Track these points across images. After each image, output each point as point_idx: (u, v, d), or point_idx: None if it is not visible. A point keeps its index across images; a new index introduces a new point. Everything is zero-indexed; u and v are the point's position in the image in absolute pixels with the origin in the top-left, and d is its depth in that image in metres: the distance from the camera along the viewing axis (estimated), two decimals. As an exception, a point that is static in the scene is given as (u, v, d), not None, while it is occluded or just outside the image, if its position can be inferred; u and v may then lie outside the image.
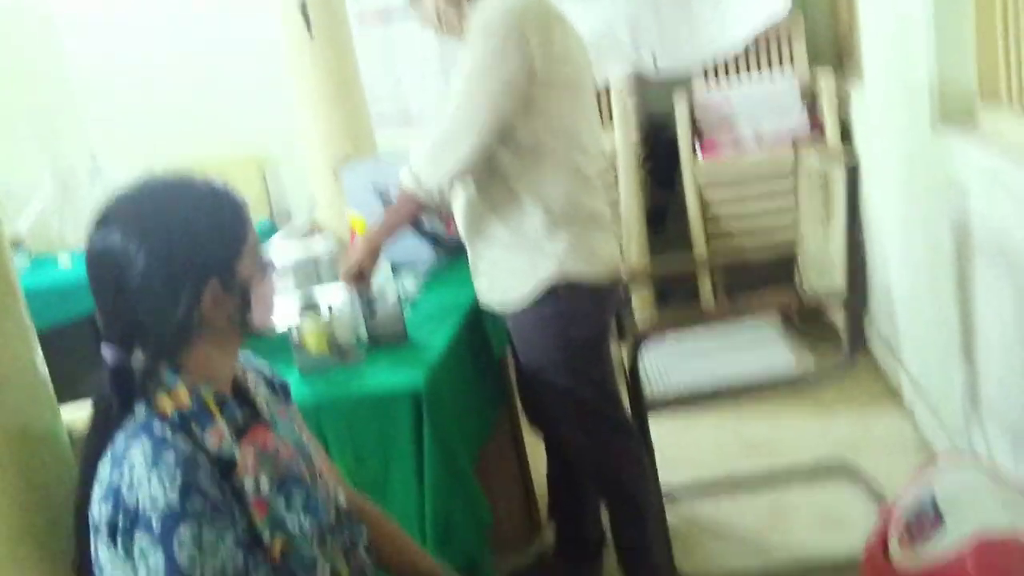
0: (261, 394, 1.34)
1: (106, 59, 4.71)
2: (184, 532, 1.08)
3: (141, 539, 1.08)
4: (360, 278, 2.06)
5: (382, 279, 2.35)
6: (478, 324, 2.23)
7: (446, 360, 1.98)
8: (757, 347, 2.45)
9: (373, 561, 1.43)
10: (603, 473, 2.15)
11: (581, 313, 2.05)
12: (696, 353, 2.54)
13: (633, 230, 3.62)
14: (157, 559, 1.07)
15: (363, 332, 2.07)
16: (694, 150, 3.62)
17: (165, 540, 1.07)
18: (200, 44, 4.42)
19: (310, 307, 1.96)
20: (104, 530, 1.10)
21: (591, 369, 2.09)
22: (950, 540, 1.50)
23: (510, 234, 2.03)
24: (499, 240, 2.05)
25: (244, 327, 1.24)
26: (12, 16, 4.62)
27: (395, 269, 2.54)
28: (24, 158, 4.83)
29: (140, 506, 1.08)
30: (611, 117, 3.67)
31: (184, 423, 1.15)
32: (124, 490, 1.09)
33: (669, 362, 2.53)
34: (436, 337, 2.07)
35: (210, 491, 1.11)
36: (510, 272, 2.06)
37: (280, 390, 1.42)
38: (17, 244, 4.06)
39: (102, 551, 1.11)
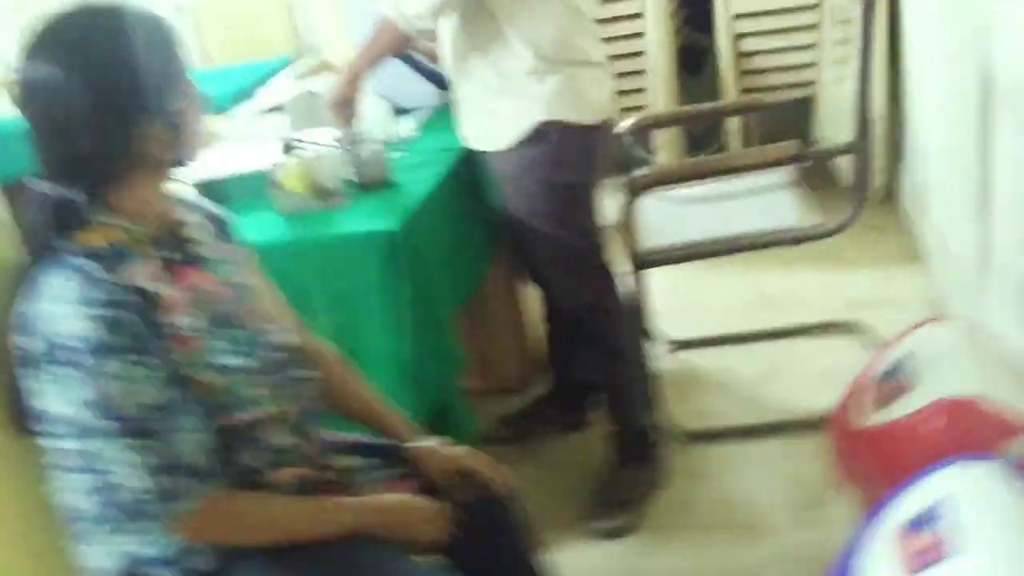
0: (199, 233, 1.31)
1: None
2: (113, 366, 1.09)
3: (71, 372, 1.10)
4: (343, 109, 2.02)
5: (369, 121, 2.30)
6: (472, 169, 2.17)
7: (429, 205, 1.95)
8: (761, 201, 2.36)
9: (327, 405, 1.45)
10: (580, 314, 2.14)
11: (568, 156, 1.99)
12: (697, 205, 2.47)
13: (660, 72, 3.45)
14: (86, 392, 1.09)
15: (349, 175, 2.03)
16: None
17: (95, 374, 1.09)
18: None
19: (292, 146, 1.93)
20: (34, 363, 1.12)
21: (575, 213, 2.05)
22: (914, 403, 1.46)
23: (496, 75, 1.95)
24: (483, 81, 1.97)
25: (176, 162, 1.22)
26: None
27: (397, 112, 2.48)
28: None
29: (70, 340, 1.09)
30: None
31: (113, 258, 1.15)
32: (53, 325, 1.11)
33: (669, 213, 2.47)
34: (423, 181, 2.02)
35: (138, 327, 1.12)
36: (493, 113, 1.99)
37: (224, 228, 1.40)
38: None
39: (34, 385, 1.13)
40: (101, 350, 1.09)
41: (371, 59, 2.00)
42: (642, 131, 3.27)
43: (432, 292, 1.86)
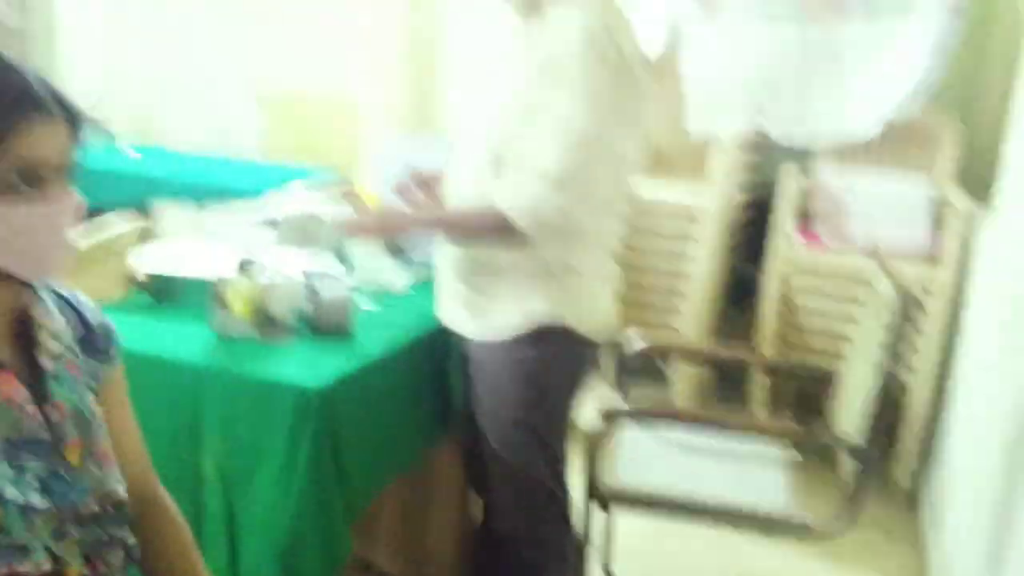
0: (54, 342, 1.10)
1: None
2: None
3: None
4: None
5: (363, 261, 2.13)
6: (439, 343, 1.94)
7: (375, 370, 1.73)
8: (753, 471, 2.09)
9: (144, 569, 1.20)
10: (519, 544, 1.86)
11: (561, 364, 1.79)
12: (681, 450, 2.20)
13: (700, 298, 3.25)
14: None
15: (307, 312, 1.83)
16: (792, 231, 3.22)
17: None
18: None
19: (247, 265, 1.74)
20: None
21: (550, 428, 1.82)
22: None
23: (502, 258, 1.74)
24: (484, 259, 1.76)
25: None
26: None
27: (397, 255, 2.31)
28: (143, 48, 4.86)
29: None
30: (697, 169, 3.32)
31: None
32: None
33: (648, 449, 2.20)
34: (381, 342, 1.81)
35: None
36: (488, 299, 1.77)
37: (102, 344, 1.19)
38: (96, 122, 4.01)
39: None
40: None
41: (433, 228, 1.86)
42: (661, 354, 3.08)
43: (343, 467, 1.62)
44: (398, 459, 1.84)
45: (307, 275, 1.83)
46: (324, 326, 1.82)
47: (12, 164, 0.95)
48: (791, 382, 3.20)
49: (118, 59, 4.75)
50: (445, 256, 1.84)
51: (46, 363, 1.08)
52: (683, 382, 3.28)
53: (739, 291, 3.68)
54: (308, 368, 1.64)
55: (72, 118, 1.02)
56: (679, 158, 3.66)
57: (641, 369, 3.82)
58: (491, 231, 1.67)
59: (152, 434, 1.59)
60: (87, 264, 2.03)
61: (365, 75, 3.04)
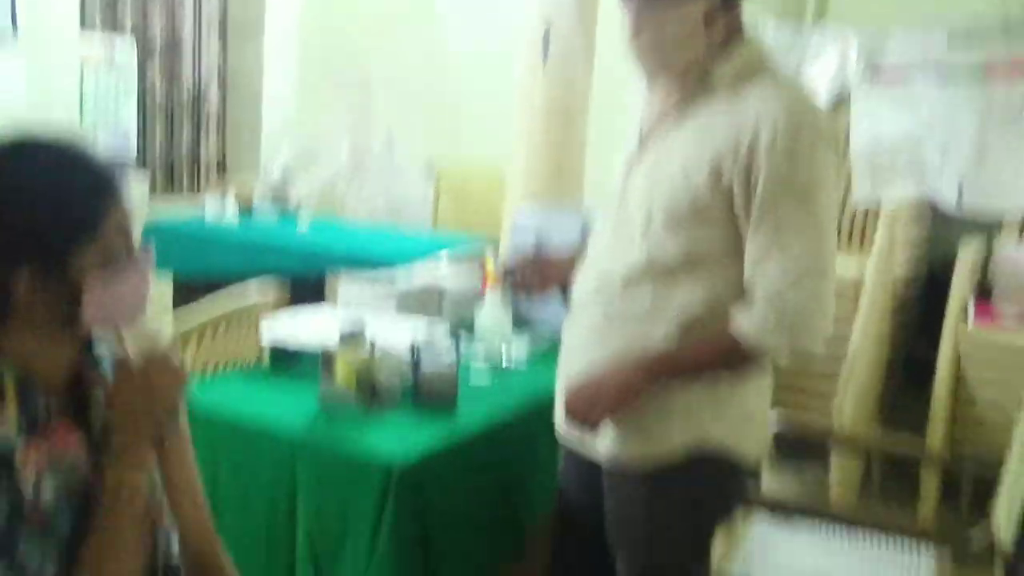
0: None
1: (401, 55, 4.90)
2: None
3: None
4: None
5: (486, 324, 2.12)
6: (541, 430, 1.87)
7: (471, 446, 1.70)
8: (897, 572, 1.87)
9: None
10: None
11: (719, 495, 1.57)
12: (826, 547, 2.01)
13: (862, 381, 3.00)
14: None
15: (408, 382, 1.84)
16: (969, 309, 2.93)
17: None
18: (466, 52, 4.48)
19: (352, 335, 1.78)
20: None
21: (694, 564, 1.60)
22: None
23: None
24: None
25: (72, 324, 1.07)
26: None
27: (523, 324, 2.29)
28: (330, 125, 5.19)
29: None
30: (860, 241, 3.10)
31: None
32: None
33: (788, 546, 2.03)
34: (485, 417, 1.78)
35: None
36: (663, 416, 1.49)
37: None
38: (280, 198, 4.31)
39: None
40: None
41: (685, 370, 1.48)
42: (814, 438, 2.85)
43: (431, 545, 1.59)
44: (501, 543, 1.79)
45: (414, 346, 1.84)
46: (427, 398, 1.81)
47: (116, 240, 1.05)
48: (963, 477, 2.87)
49: (308, 141, 5.10)
50: (590, 358, 1.54)
51: (98, 422, 1.11)
52: (841, 472, 3.02)
53: (911, 375, 3.39)
54: (400, 443, 1.63)
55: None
56: (842, 230, 3.45)
57: (794, 456, 3.58)
58: (741, 362, 1.45)
59: (251, 503, 1.66)
60: (223, 329, 2.15)
61: (512, 146, 3.08)
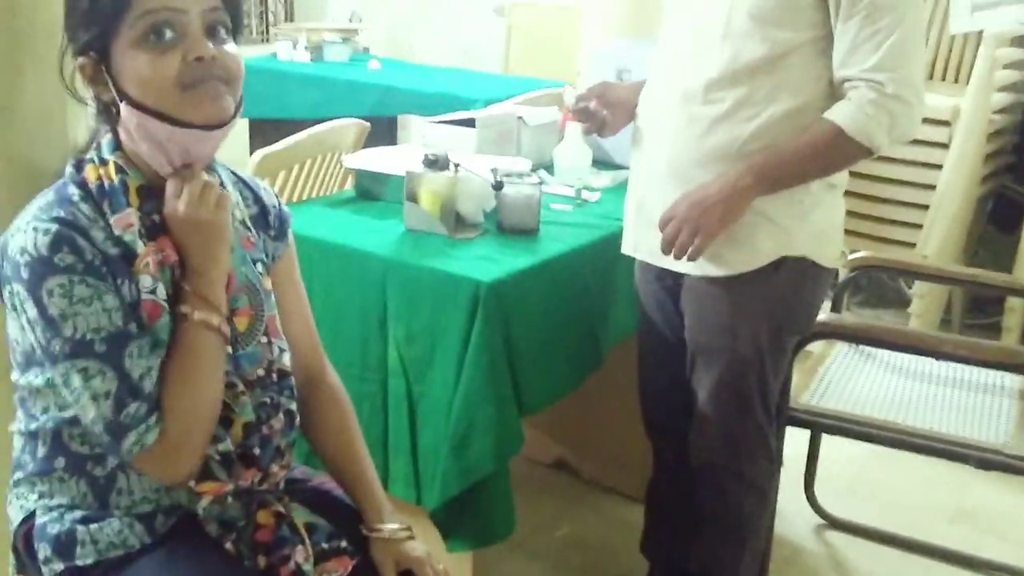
0: (229, 214, 1.16)
1: None
2: (53, 283, 1.00)
3: (17, 290, 1.03)
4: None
5: (566, 159, 2.12)
6: (622, 274, 1.88)
7: (552, 267, 1.73)
8: (976, 400, 1.88)
9: (309, 439, 1.31)
10: (723, 487, 1.71)
11: (802, 296, 1.61)
12: (907, 375, 2.02)
13: (945, 216, 2.92)
14: (31, 309, 1.02)
15: (491, 209, 1.86)
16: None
17: (35, 291, 1.01)
18: None
19: (435, 163, 1.79)
20: None
21: (774, 369, 1.64)
22: None
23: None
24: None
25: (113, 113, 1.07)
26: None
27: (600, 164, 2.27)
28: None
29: (14, 255, 1.02)
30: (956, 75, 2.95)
31: (98, 196, 1.07)
32: (9, 237, 1.04)
33: (862, 371, 2.05)
34: (566, 242, 1.80)
35: (87, 255, 1.02)
36: (748, 225, 1.51)
37: (275, 223, 1.27)
38: (349, 38, 4.26)
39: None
40: (42, 264, 1.00)
41: (783, 179, 1.48)
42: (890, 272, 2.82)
43: (517, 359, 1.64)
44: (581, 358, 1.83)
45: (496, 174, 1.84)
46: (510, 224, 1.83)
47: (145, 16, 1.01)
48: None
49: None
50: (675, 174, 1.55)
51: None
52: (924, 306, 3.00)
53: (1006, 212, 3.30)
54: (486, 262, 1.66)
55: None
56: (938, 59, 3.29)
57: (875, 289, 3.56)
58: (843, 157, 1.46)
59: (344, 321, 1.72)
60: (306, 158, 2.18)
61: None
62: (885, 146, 1.42)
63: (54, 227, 1.01)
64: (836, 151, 1.44)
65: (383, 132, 3.99)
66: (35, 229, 1.01)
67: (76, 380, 1.02)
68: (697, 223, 1.46)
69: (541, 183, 1.89)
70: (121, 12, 1.00)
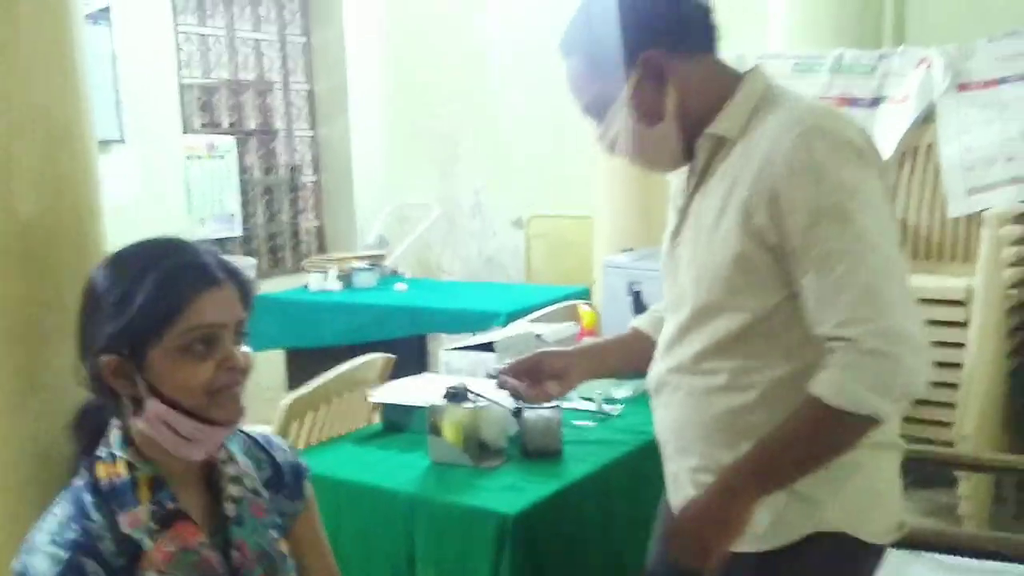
0: (235, 487, 1.20)
1: (494, 116, 5.05)
2: None
3: None
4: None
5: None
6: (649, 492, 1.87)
7: (579, 490, 1.73)
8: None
9: None
10: None
11: (850, 572, 1.39)
12: (955, 571, 1.94)
13: (980, 396, 2.90)
14: None
15: (513, 435, 1.89)
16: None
17: None
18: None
19: (455, 395, 1.84)
20: None
21: None
22: None
23: None
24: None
25: (175, 404, 1.11)
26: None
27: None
28: (421, 186, 5.37)
29: (27, 574, 1.06)
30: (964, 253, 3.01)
31: (109, 497, 1.10)
32: (27, 553, 1.08)
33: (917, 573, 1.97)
34: (591, 461, 1.81)
35: None
36: (784, 503, 1.32)
37: (289, 481, 1.29)
38: (377, 263, 4.46)
39: None
40: None
41: (782, 474, 1.29)
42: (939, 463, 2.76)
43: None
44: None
45: (516, 399, 1.89)
46: (533, 448, 1.86)
47: (192, 331, 1.09)
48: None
49: (401, 207, 5.27)
50: (682, 450, 1.43)
51: (228, 509, 1.18)
52: (969, 495, 2.91)
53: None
54: (512, 492, 1.67)
55: (239, 284, 1.15)
56: (947, 244, 3.37)
57: (918, 480, 3.45)
58: (842, 432, 1.24)
59: (371, 562, 1.72)
60: (332, 395, 2.25)
61: (599, 195, 3.15)
62: (885, 409, 1.20)
63: (65, 555, 1.05)
64: (828, 427, 1.23)
65: (414, 351, 4.11)
66: (50, 556, 1.05)
67: None
68: (699, 541, 1.31)
69: (559, 404, 1.92)
70: (167, 325, 1.08)
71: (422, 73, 5.24)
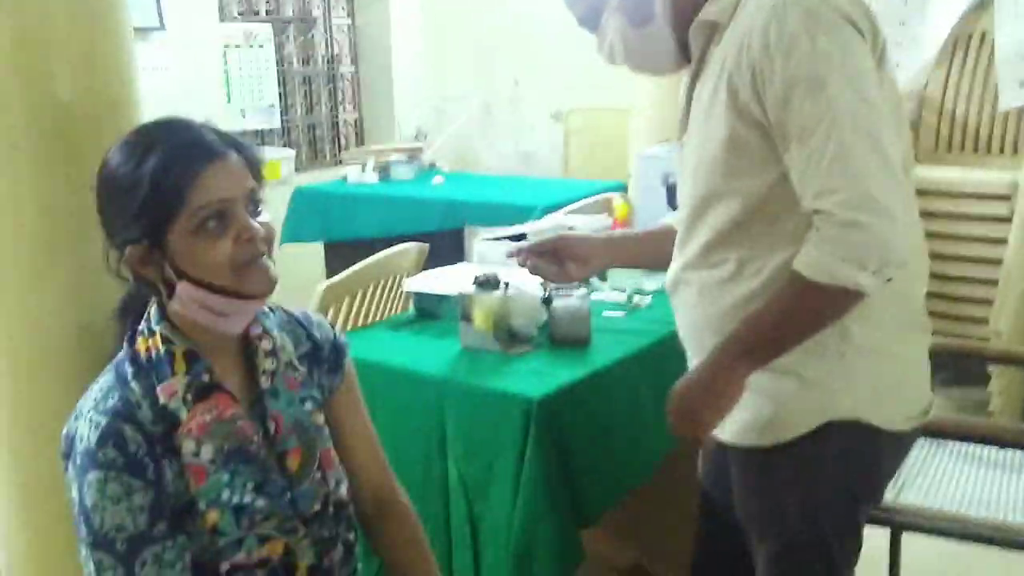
0: (269, 360, 1.24)
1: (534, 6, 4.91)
2: (92, 477, 1.10)
3: (70, 469, 1.13)
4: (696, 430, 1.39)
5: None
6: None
7: (605, 378, 1.77)
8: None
9: (379, 555, 1.38)
10: None
11: (860, 466, 1.39)
12: (988, 465, 1.97)
13: (1017, 291, 2.87)
14: (75, 492, 1.12)
15: (543, 323, 1.92)
16: None
17: (80, 478, 1.11)
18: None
19: (485, 283, 1.87)
20: (61, 449, 1.17)
21: (843, 558, 1.43)
22: None
23: (838, 335, 1.31)
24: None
25: (210, 286, 1.14)
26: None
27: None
28: (459, 79, 5.30)
29: (75, 438, 1.13)
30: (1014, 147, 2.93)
31: (147, 368, 1.16)
32: (73, 419, 1.15)
33: (946, 466, 2.01)
34: (617, 351, 1.85)
35: (131, 446, 1.11)
36: (759, 394, 1.35)
37: (329, 356, 1.34)
38: (415, 156, 4.46)
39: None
40: (88, 456, 1.10)
41: (772, 345, 1.30)
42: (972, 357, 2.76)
43: (572, 473, 1.68)
44: (634, 466, 1.85)
45: (545, 287, 1.92)
46: (561, 336, 1.89)
47: (201, 210, 1.11)
48: None
49: (439, 100, 5.22)
50: (699, 348, 1.42)
51: (263, 381, 1.23)
52: (1003, 384, 2.91)
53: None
54: (539, 378, 1.72)
55: (244, 153, 1.16)
56: (993, 134, 3.27)
57: (949, 377, 3.46)
58: (826, 304, 1.25)
59: (404, 442, 1.79)
60: (369, 283, 2.30)
61: (636, 88, 3.10)
62: (866, 281, 1.20)
63: (104, 421, 1.10)
64: (809, 301, 1.25)
65: (451, 244, 4.14)
66: (91, 421, 1.11)
67: (91, 567, 1.10)
68: (691, 412, 1.35)
69: (590, 292, 1.95)
70: (177, 208, 1.10)
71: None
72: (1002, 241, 2.88)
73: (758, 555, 1.48)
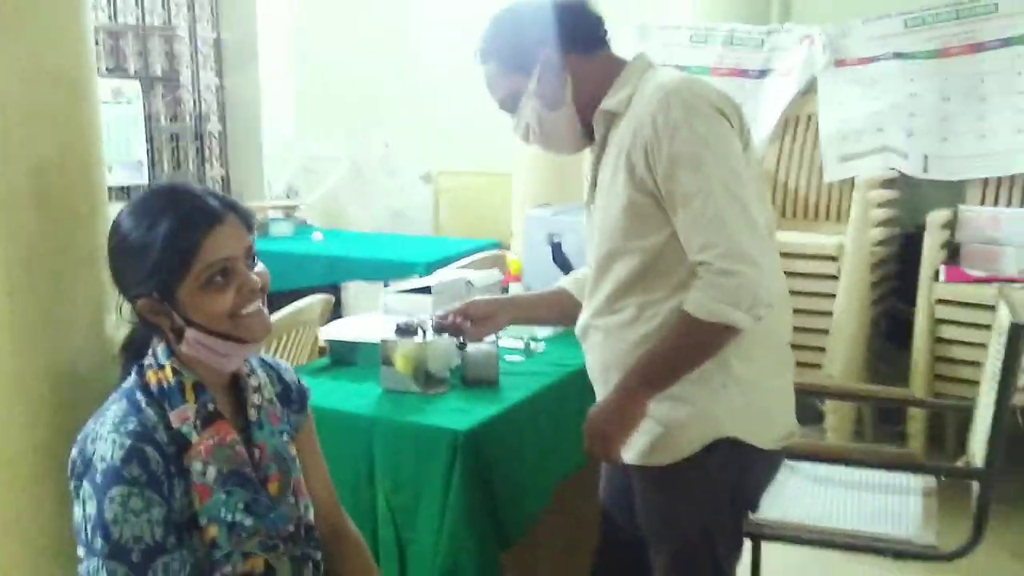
0: (257, 395, 1.41)
1: (407, 71, 5.15)
2: (116, 492, 1.20)
3: (87, 486, 1.23)
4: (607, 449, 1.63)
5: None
6: (579, 391, 2.16)
7: (516, 413, 1.98)
8: (889, 501, 2.16)
9: None
10: None
11: (736, 479, 1.67)
12: (823, 483, 2.30)
13: (847, 336, 3.31)
14: (92, 507, 1.21)
15: (456, 366, 2.12)
16: (939, 266, 3.24)
17: (100, 493, 1.20)
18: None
19: (405, 331, 2.05)
20: (71, 474, 1.27)
21: (726, 554, 1.73)
22: None
23: (720, 368, 1.58)
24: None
25: (215, 333, 1.30)
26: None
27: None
28: (329, 140, 5.45)
29: (94, 458, 1.23)
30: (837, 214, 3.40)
31: (160, 397, 1.29)
32: (89, 441, 1.25)
33: (795, 486, 2.32)
34: (524, 389, 2.07)
35: (152, 465, 1.23)
36: (675, 413, 1.61)
37: (296, 397, 1.51)
38: (290, 213, 4.57)
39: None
40: (111, 473, 1.21)
41: (667, 374, 1.58)
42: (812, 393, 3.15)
43: (493, 498, 1.87)
44: (543, 489, 2.07)
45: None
46: (474, 377, 2.10)
47: (209, 268, 1.27)
48: (946, 416, 3.19)
49: (308, 159, 5.34)
50: (614, 364, 1.66)
51: (251, 413, 1.39)
52: (837, 420, 3.33)
53: (892, 332, 3.70)
54: (460, 414, 1.91)
55: (240, 214, 1.32)
56: (820, 202, 3.76)
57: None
58: (709, 338, 1.52)
59: (335, 475, 1.92)
60: (282, 333, 2.42)
61: (516, 152, 3.37)
62: (740, 318, 1.47)
63: (128, 442, 1.22)
64: (695, 336, 1.52)
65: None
66: (114, 441, 1.22)
67: None
68: (602, 435, 1.60)
69: (496, 341, 2.17)
70: (187, 268, 1.26)
71: (334, 25, 5.30)
72: (831, 295, 3.32)
73: (656, 559, 1.75)
